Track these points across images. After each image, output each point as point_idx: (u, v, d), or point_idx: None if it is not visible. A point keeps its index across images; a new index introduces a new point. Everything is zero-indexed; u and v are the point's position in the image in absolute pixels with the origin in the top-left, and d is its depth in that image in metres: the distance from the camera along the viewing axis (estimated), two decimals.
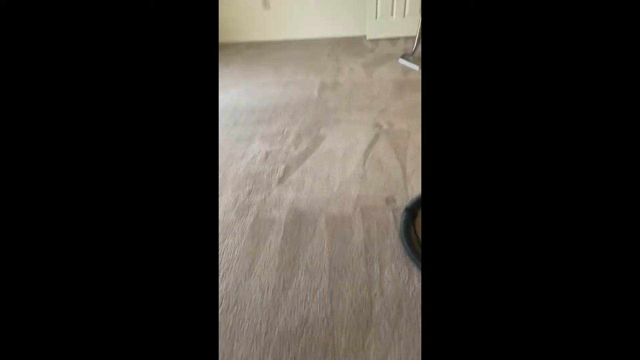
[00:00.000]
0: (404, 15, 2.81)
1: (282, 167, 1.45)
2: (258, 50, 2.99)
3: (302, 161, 1.47)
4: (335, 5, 2.96)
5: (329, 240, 1.08)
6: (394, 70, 2.31)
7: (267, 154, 1.55)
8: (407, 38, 2.90)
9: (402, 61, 2.40)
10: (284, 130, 1.72)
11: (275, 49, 3.00)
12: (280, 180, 1.37)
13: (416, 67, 2.28)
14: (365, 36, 3.02)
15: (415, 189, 1.26)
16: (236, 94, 2.18)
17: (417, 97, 1.91)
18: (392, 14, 2.81)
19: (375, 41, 2.91)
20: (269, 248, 1.08)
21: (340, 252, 1.04)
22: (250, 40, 3.26)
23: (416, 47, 2.39)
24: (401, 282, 0.94)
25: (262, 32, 3.20)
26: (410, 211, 1.12)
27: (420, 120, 1.69)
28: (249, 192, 1.32)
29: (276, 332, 0.85)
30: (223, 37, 3.27)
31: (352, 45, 2.89)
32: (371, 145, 1.54)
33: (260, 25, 3.16)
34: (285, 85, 2.23)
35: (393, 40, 2.89)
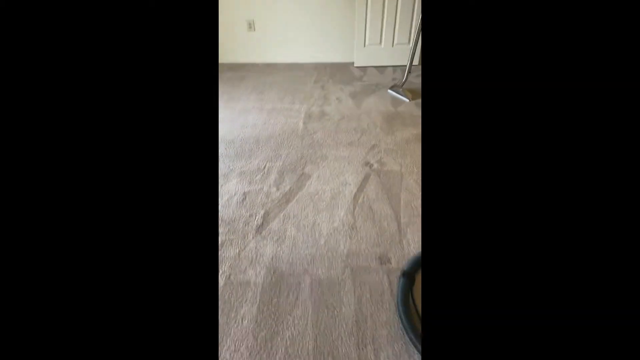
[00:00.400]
0: (392, 45, 2.75)
1: (261, 213, 1.28)
2: (240, 73, 2.85)
3: (284, 205, 1.31)
4: (323, 30, 2.88)
5: (313, 313, 0.91)
6: (383, 101, 2.22)
7: (244, 195, 1.38)
8: (395, 67, 2.83)
9: (392, 92, 2.31)
10: (265, 167, 1.55)
11: (259, 72, 2.87)
12: (259, 230, 1.20)
13: (406, 99, 2.19)
14: (352, 63, 2.95)
15: (411, 244, 1.12)
16: None
17: (408, 133, 1.81)
18: (380, 43, 2.75)
19: (363, 69, 2.84)
20: (242, 322, 0.90)
21: (327, 329, 0.87)
22: (232, 62, 3.13)
23: (406, 78, 2.31)
24: None
25: (246, 54, 3.07)
26: (408, 276, 0.97)
27: (413, 159, 1.57)
28: (222, 244, 1.14)
29: None
30: None
31: (340, 71, 2.80)
32: (361, 188, 1.40)
33: (244, 47, 3.03)
34: (268, 113, 2.09)
35: (381, 69, 2.82)
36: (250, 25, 2.91)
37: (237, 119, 2.02)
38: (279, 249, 1.12)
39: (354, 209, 1.28)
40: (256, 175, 1.49)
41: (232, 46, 3.04)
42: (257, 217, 1.25)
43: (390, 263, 1.06)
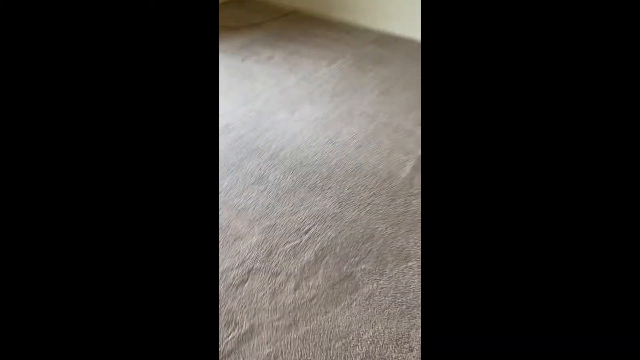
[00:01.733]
0: None
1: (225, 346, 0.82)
2: (386, 51, 2.18)
3: (284, 335, 0.82)
4: None
5: None
6: None
7: (249, 273, 0.93)
8: None
9: None
10: (309, 231, 1.04)
11: (414, 57, 2.14)
12: None
13: None
14: None
15: None
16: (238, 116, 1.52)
17: None
18: None
19: None
20: None
21: None
22: (387, 33, 2.43)
23: None
24: None
25: (404, 25, 2.32)
26: None
27: None
28: None
29: None
30: None
31: None
32: None
33: (404, 14, 2.28)
34: (376, 130, 1.47)
35: None
36: None
37: (330, 125, 1.49)
38: None
39: None
40: (285, 244, 1.00)
41: (387, 8, 2.33)
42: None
43: None
